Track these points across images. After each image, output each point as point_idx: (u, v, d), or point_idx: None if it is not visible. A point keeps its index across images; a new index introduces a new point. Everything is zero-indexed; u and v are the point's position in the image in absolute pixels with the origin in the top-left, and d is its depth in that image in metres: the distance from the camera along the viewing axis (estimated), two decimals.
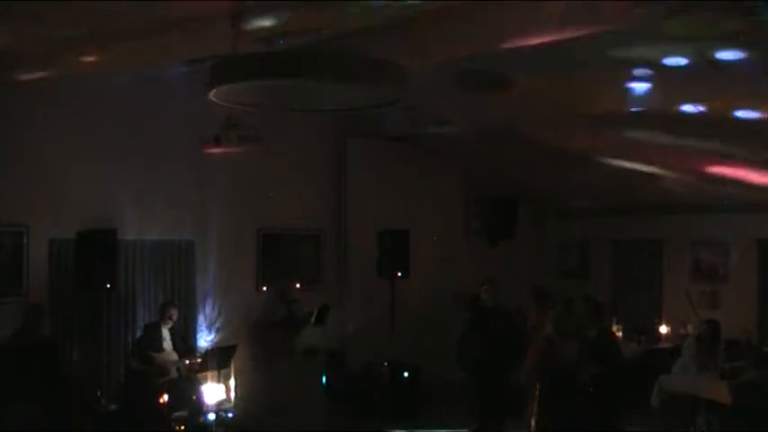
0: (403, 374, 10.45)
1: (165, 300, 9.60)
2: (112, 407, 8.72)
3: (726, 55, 6.62)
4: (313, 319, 9.91)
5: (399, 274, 10.79)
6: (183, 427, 8.19)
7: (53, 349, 8.23)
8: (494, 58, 7.53)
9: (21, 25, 6.09)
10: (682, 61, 6.95)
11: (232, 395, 9.47)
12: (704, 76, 7.25)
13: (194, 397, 8.76)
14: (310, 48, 6.36)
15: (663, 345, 10.88)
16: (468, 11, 6.22)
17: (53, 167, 9.03)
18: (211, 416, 8.71)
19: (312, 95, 6.10)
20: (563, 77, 8.06)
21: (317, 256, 11.50)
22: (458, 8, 6.22)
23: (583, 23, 6.37)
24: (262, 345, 10.22)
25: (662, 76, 7.45)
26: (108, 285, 8.78)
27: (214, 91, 5.55)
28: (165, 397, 8.48)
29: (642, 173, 10.65)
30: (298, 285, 10.29)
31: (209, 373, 9.03)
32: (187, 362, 9.10)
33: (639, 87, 7.99)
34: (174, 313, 9.29)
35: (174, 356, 9.11)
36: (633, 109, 8.59)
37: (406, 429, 9.67)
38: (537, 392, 7.30)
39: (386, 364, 10.50)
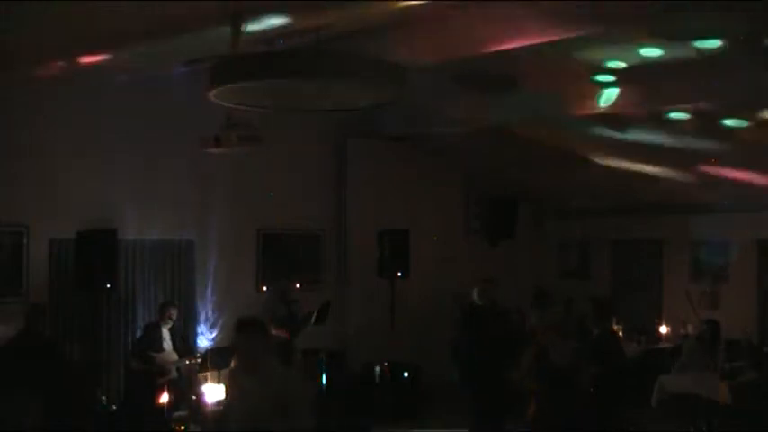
0: (403, 374, 10.46)
1: (165, 300, 9.60)
2: (112, 407, 8.72)
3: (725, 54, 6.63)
4: (313, 319, 9.90)
5: (399, 274, 10.79)
6: (182, 427, 8.17)
7: (54, 349, 8.21)
8: (494, 58, 7.53)
9: (21, 25, 6.09)
10: (681, 61, 6.96)
11: None
12: (704, 77, 7.26)
13: (194, 397, 8.76)
14: (310, 48, 6.36)
15: (663, 345, 10.88)
16: (467, 11, 6.23)
17: (53, 167, 9.04)
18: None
19: (312, 95, 6.10)
20: (562, 77, 8.08)
21: (317, 256, 11.50)
22: (457, 8, 6.22)
23: (583, 23, 6.37)
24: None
25: (661, 75, 7.46)
26: (108, 285, 8.78)
27: (214, 91, 5.55)
28: (165, 397, 8.47)
29: (642, 173, 10.66)
30: (298, 285, 10.28)
31: (209, 373, 9.03)
32: (187, 362, 9.11)
33: (639, 87, 8.01)
34: (174, 313, 9.29)
35: (174, 356, 9.11)
36: (633, 109, 8.60)
37: (406, 429, 9.67)
38: (537, 393, 7.29)
39: (386, 364, 10.50)
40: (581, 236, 13.10)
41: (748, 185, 10.08)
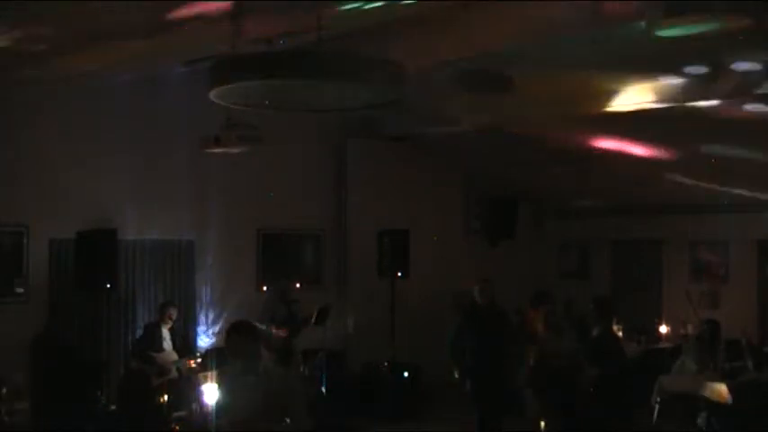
0: (403, 374, 10.45)
1: (165, 300, 9.60)
2: (112, 407, 8.72)
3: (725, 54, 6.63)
4: (313, 320, 9.90)
5: (399, 274, 10.78)
6: (177, 428, 8.18)
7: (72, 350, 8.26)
8: (494, 58, 7.54)
9: (21, 25, 6.09)
10: (682, 61, 6.96)
11: None
12: (704, 76, 7.26)
13: (194, 397, 8.76)
14: (310, 48, 6.36)
15: (663, 345, 10.87)
16: (467, 11, 6.23)
17: (53, 167, 9.04)
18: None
19: (312, 95, 6.10)
20: (562, 77, 8.07)
21: (317, 256, 11.51)
22: (457, 8, 6.23)
23: (582, 23, 6.37)
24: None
25: (661, 75, 7.46)
26: (108, 285, 8.78)
27: (214, 91, 5.55)
28: (165, 397, 8.48)
29: (642, 173, 10.65)
30: (298, 285, 10.28)
31: (209, 373, 9.02)
32: (187, 362, 9.11)
33: (639, 87, 8.00)
34: (174, 313, 9.29)
35: (174, 356, 9.11)
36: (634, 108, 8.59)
37: (406, 429, 9.67)
38: (538, 393, 7.30)
39: (386, 364, 10.50)
40: (581, 236, 13.09)
41: (748, 185, 10.08)
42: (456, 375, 8.44)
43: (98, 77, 8.48)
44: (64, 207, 9.09)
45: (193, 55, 7.65)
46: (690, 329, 10.33)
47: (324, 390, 10.00)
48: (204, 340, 10.25)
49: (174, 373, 8.94)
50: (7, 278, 8.91)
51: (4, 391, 7.39)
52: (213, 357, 9.07)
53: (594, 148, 10.31)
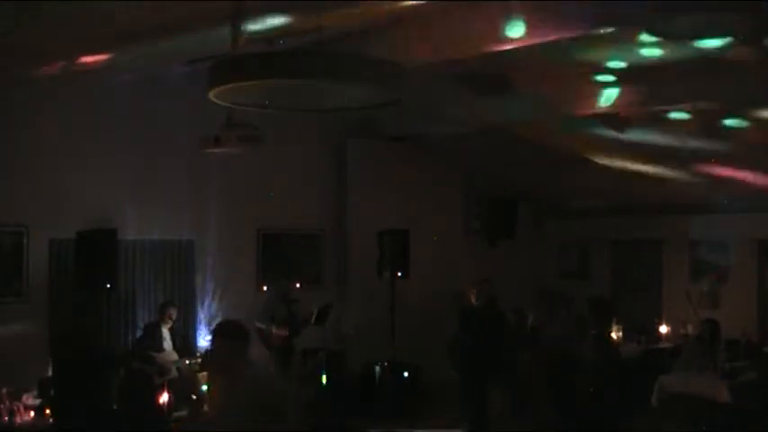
0: (403, 374, 10.45)
1: (165, 300, 9.60)
2: (112, 407, 8.71)
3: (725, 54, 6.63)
4: (313, 320, 9.91)
5: (399, 274, 10.77)
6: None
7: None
8: (494, 58, 7.53)
9: (21, 25, 6.09)
10: (681, 60, 6.96)
11: None
12: (703, 76, 7.26)
13: (194, 397, 8.75)
14: (310, 48, 6.36)
15: (663, 345, 10.88)
16: (467, 11, 6.23)
17: (53, 167, 9.04)
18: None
19: (312, 95, 6.10)
20: (562, 77, 8.07)
21: (317, 256, 11.51)
22: (457, 8, 6.23)
23: (583, 23, 6.37)
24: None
25: (661, 75, 7.46)
26: (108, 285, 8.77)
27: (214, 91, 5.55)
28: (165, 397, 8.47)
29: (642, 173, 10.65)
30: (298, 285, 10.28)
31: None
32: (187, 362, 9.11)
33: (639, 87, 8.01)
34: (174, 313, 9.29)
35: (174, 356, 9.11)
36: (633, 109, 8.60)
37: (406, 429, 9.67)
38: (539, 393, 7.30)
39: (386, 364, 10.50)
40: (581, 236, 13.09)
41: (748, 185, 10.08)
42: (456, 374, 8.45)
43: (98, 77, 8.48)
44: (64, 207, 9.08)
45: (193, 55, 7.65)
46: (690, 329, 10.33)
47: (324, 390, 10.00)
48: (204, 340, 10.24)
49: (174, 373, 8.94)
50: (7, 278, 8.90)
51: (4, 391, 7.38)
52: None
53: (594, 148, 10.31)
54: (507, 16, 6.35)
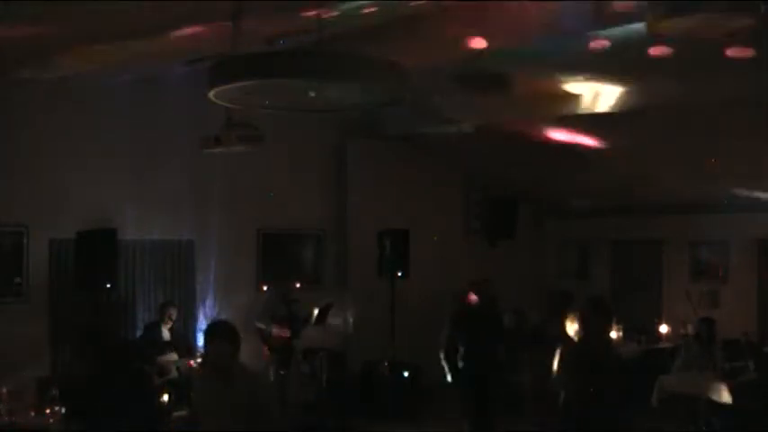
0: (403, 374, 10.45)
1: (165, 300, 9.60)
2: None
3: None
4: (313, 320, 9.90)
5: (399, 274, 10.78)
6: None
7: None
8: (493, 58, 7.53)
9: (21, 25, 6.09)
10: (679, 58, 6.95)
11: None
12: (703, 75, 7.26)
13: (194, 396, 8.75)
14: (310, 48, 6.37)
15: (663, 345, 10.88)
16: (468, 11, 6.23)
17: (53, 167, 9.04)
18: None
19: (312, 95, 6.10)
20: (562, 77, 8.07)
21: (317, 256, 11.51)
22: (457, 8, 6.23)
23: (583, 23, 6.37)
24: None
25: (660, 74, 7.46)
26: (108, 285, 8.78)
27: (214, 91, 5.55)
28: (165, 397, 8.47)
29: (642, 173, 10.65)
30: (298, 285, 10.29)
31: None
32: (187, 362, 9.10)
33: (639, 87, 8.01)
34: (174, 313, 9.29)
35: (174, 356, 9.11)
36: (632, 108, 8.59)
37: (406, 429, 9.67)
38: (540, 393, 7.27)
39: (386, 364, 10.50)
40: (581, 236, 13.09)
41: (748, 185, 10.08)
42: (449, 379, 8.44)
43: (98, 77, 8.48)
44: (64, 207, 9.08)
45: (193, 55, 7.65)
46: (690, 329, 10.34)
47: (324, 390, 10.00)
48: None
49: (174, 374, 8.94)
50: (7, 278, 8.90)
51: (5, 390, 7.37)
52: None
53: (594, 148, 10.31)
54: (507, 16, 6.35)
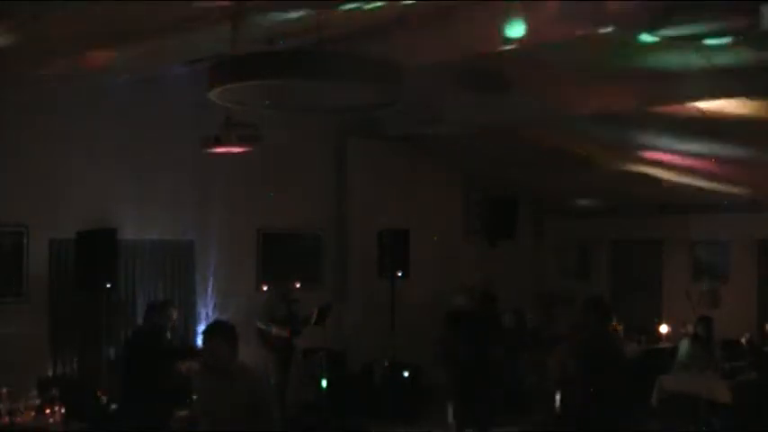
0: (403, 374, 10.46)
1: (165, 300, 9.59)
2: (112, 407, 8.71)
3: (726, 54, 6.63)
4: (313, 320, 9.91)
5: (399, 274, 10.79)
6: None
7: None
8: (494, 58, 7.53)
9: (21, 25, 6.09)
10: (681, 61, 6.95)
11: None
12: (703, 76, 7.26)
13: (194, 397, 8.74)
14: (310, 48, 6.36)
15: (663, 345, 10.89)
16: (468, 11, 6.23)
17: (53, 167, 9.03)
18: None
19: (312, 95, 6.10)
20: (562, 77, 8.07)
21: (317, 256, 11.51)
22: (457, 8, 6.23)
23: (583, 23, 6.37)
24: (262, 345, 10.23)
25: (661, 75, 7.46)
26: (108, 285, 8.78)
27: (214, 91, 5.55)
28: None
29: (642, 173, 10.65)
30: (298, 285, 10.29)
31: None
32: (187, 362, 9.09)
33: (639, 87, 8.01)
34: (174, 313, 9.28)
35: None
36: (633, 108, 8.60)
37: (406, 429, 9.67)
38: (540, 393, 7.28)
39: (386, 364, 10.50)
40: (581, 236, 13.10)
41: (748, 185, 10.08)
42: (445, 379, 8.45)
43: (98, 77, 8.48)
44: (64, 207, 9.08)
45: (193, 55, 7.65)
46: (690, 329, 10.34)
47: (324, 390, 10.00)
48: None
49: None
50: (7, 278, 8.90)
51: (5, 390, 7.37)
52: None
53: (594, 148, 10.31)
54: (508, 16, 6.35)
